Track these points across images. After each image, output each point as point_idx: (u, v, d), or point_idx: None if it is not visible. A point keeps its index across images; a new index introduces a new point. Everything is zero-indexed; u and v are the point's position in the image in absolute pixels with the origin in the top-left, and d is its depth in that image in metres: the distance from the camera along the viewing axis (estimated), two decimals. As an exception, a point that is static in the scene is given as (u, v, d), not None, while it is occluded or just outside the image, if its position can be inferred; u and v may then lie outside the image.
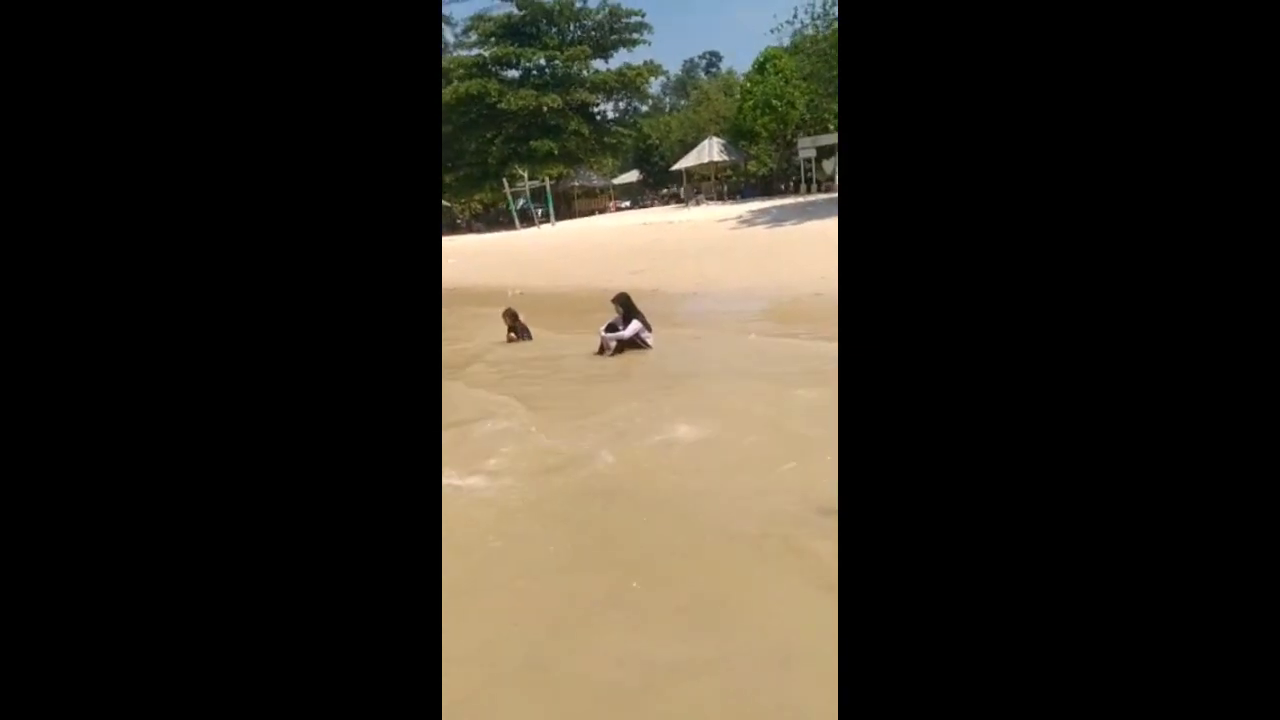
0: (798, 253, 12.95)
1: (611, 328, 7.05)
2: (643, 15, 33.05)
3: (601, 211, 32.91)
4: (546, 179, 29.17)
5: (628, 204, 35.80)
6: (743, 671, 2.10)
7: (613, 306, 7.15)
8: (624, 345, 6.93)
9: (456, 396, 5.39)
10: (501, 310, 8.50)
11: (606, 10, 32.80)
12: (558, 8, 31.91)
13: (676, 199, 32.80)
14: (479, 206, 36.07)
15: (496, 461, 4.14)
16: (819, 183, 25.38)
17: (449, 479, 3.67)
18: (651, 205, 33.19)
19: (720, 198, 28.59)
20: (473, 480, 3.84)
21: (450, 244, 26.72)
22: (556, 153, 30.56)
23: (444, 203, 37.71)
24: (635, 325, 6.96)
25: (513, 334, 8.23)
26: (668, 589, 2.63)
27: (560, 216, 29.23)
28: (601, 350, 7.01)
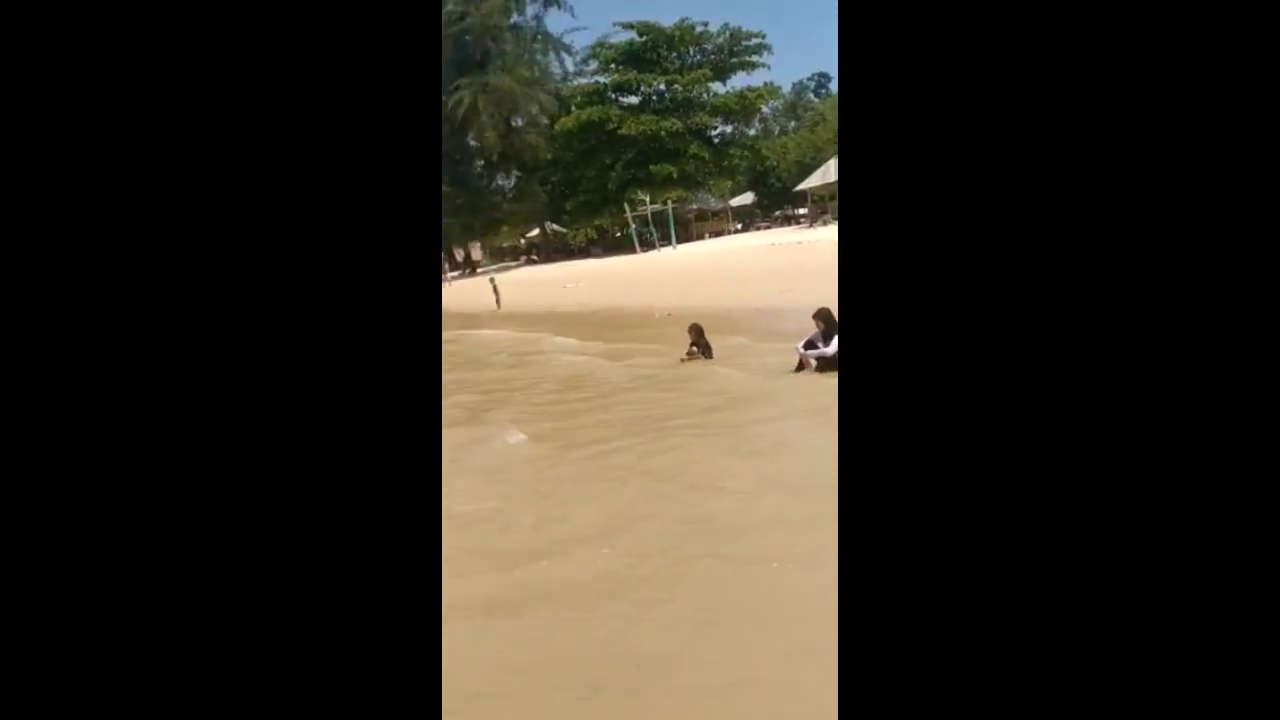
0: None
1: (810, 344, 6.76)
2: (763, 36, 32.96)
3: (718, 234, 32.81)
4: (668, 202, 29.33)
5: (739, 226, 35.55)
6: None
7: (813, 322, 6.85)
8: (826, 364, 6.63)
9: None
10: (687, 325, 8.38)
11: (727, 33, 32.89)
12: (678, 34, 32.18)
13: (792, 220, 32.37)
14: (594, 232, 36.69)
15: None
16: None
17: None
18: (764, 227, 32.85)
19: (845, 218, 27.95)
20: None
21: (574, 268, 27.20)
22: (676, 176, 30.67)
23: (558, 228, 38.58)
24: (839, 342, 6.66)
25: (694, 348, 8.07)
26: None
27: (678, 240, 29.28)
28: (801, 367, 6.73)
